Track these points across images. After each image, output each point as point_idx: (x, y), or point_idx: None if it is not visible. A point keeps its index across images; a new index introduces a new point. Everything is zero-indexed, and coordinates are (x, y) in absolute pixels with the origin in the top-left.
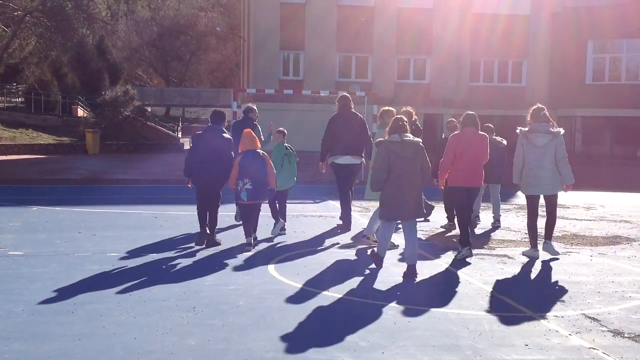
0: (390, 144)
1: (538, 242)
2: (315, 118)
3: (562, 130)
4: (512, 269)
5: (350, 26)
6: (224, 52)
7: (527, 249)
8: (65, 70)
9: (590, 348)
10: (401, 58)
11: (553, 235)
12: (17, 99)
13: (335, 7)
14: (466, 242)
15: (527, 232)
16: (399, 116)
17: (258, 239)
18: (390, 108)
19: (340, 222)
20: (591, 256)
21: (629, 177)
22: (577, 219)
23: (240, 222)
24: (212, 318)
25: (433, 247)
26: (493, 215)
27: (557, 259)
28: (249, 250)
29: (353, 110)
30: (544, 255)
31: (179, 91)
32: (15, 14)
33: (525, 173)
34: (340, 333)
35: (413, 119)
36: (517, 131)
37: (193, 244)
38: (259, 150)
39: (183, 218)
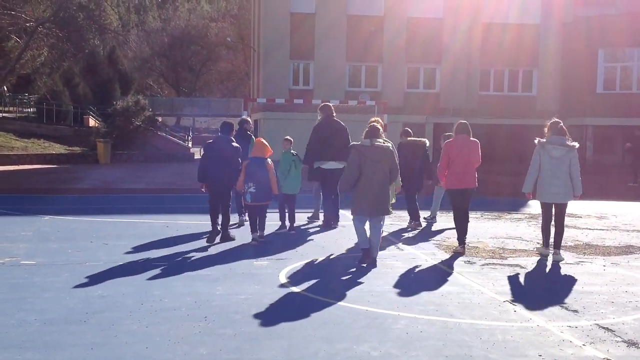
0: (360, 147)
1: (550, 250)
2: None
3: (577, 145)
4: (524, 279)
5: (360, 35)
6: (234, 62)
7: (540, 246)
8: (77, 80)
9: (604, 358)
10: (411, 67)
11: (565, 245)
12: (29, 109)
13: (344, 17)
14: (461, 240)
15: (539, 241)
16: (373, 123)
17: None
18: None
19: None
20: (604, 266)
21: None
22: (589, 229)
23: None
24: (223, 327)
25: (444, 256)
26: (431, 213)
27: (570, 269)
28: (255, 245)
29: (335, 119)
30: (556, 266)
31: (190, 101)
32: (28, 24)
33: (539, 182)
34: (351, 343)
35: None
36: (535, 141)
37: (206, 248)
38: (265, 158)
39: (194, 227)
